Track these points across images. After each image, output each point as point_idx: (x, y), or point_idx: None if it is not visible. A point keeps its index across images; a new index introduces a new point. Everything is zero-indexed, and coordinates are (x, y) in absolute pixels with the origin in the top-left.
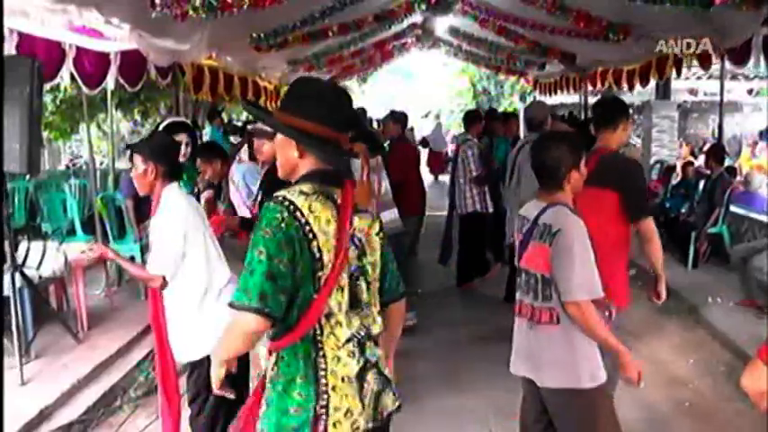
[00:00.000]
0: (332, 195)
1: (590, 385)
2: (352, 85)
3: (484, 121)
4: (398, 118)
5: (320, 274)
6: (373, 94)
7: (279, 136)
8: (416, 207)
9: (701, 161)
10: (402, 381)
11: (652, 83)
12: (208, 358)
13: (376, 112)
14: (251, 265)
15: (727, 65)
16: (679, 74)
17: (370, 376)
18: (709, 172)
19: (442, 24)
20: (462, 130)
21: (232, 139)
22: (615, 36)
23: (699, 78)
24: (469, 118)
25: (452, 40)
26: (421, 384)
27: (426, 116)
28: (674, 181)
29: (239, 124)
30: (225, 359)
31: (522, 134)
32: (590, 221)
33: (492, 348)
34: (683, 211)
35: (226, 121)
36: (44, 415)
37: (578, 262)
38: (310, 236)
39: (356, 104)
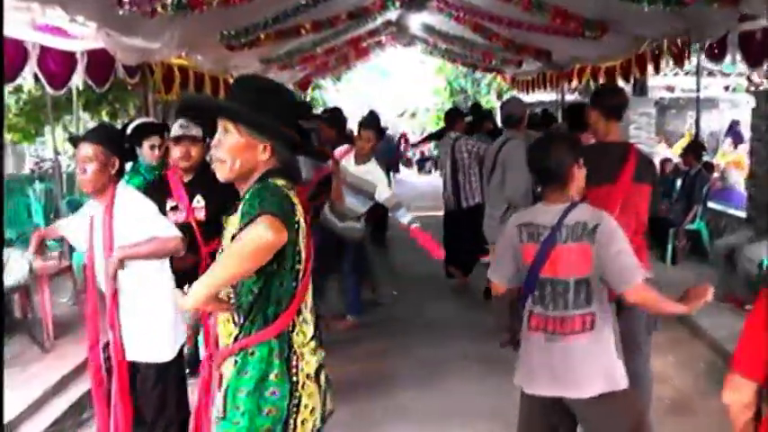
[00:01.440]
0: (296, 191)
1: (625, 384)
2: (326, 83)
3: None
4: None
5: (299, 267)
6: (348, 93)
7: (235, 137)
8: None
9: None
10: (381, 379)
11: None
12: (177, 361)
13: (351, 111)
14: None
15: (704, 61)
16: (658, 71)
17: (323, 375)
18: (687, 168)
19: (416, 22)
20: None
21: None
22: (592, 33)
23: (676, 75)
24: (451, 116)
25: (428, 37)
26: (400, 384)
27: (402, 115)
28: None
29: None
30: (221, 285)
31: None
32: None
33: (473, 347)
34: (662, 207)
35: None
36: (11, 427)
37: (625, 250)
38: (296, 227)
39: (331, 103)
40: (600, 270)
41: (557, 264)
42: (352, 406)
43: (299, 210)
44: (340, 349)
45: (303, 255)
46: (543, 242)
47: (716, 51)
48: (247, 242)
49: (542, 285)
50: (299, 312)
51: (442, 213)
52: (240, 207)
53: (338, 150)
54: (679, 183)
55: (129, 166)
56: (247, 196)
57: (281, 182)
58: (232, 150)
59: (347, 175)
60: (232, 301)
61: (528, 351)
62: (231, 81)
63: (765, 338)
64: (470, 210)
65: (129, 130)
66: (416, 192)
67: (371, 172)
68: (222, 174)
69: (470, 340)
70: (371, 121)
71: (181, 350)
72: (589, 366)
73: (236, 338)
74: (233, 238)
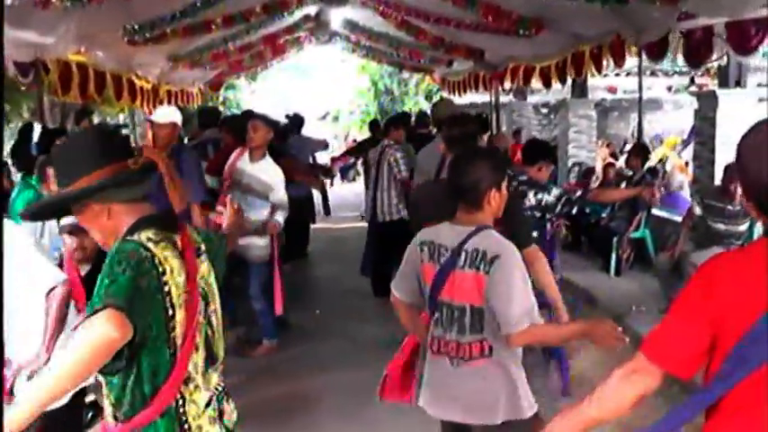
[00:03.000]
0: (174, 241)
1: (530, 414)
2: (240, 83)
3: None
4: (270, 124)
5: (174, 334)
6: (265, 94)
7: (80, 213)
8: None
9: (621, 162)
10: (302, 408)
11: (568, 80)
12: (70, 409)
13: (269, 112)
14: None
15: (645, 61)
16: (599, 70)
17: None
18: (630, 173)
19: (338, 17)
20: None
21: None
22: (526, 31)
23: (617, 75)
24: (392, 123)
25: (350, 34)
26: (324, 414)
27: (324, 118)
28: (594, 184)
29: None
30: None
31: None
32: None
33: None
34: (604, 215)
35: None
36: None
37: (518, 291)
38: (165, 290)
39: (246, 105)
40: (490, 306)
41: (454, 289)
42: None
43: (171, 263)
44: (257, 376)
45: (180, 316)
46: (443, 265)
47: (656, 50)
48: (85, 344)
49: (441, 308)
50: (187, 380)
51: (365, 225)
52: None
53: (233, 155)
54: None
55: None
56: (105, 263)
57: (147, 234)
58: (88, 224)
59: (243, 175)
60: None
61: (431, 374)
62: (135, 80)
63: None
64: (387, 225)
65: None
66: (339, 201)
67: (266, 170)
68: (103, 247)
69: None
70: (259, 115)
71: (78, 395)
72: (489, 393)
73: (116, 423)
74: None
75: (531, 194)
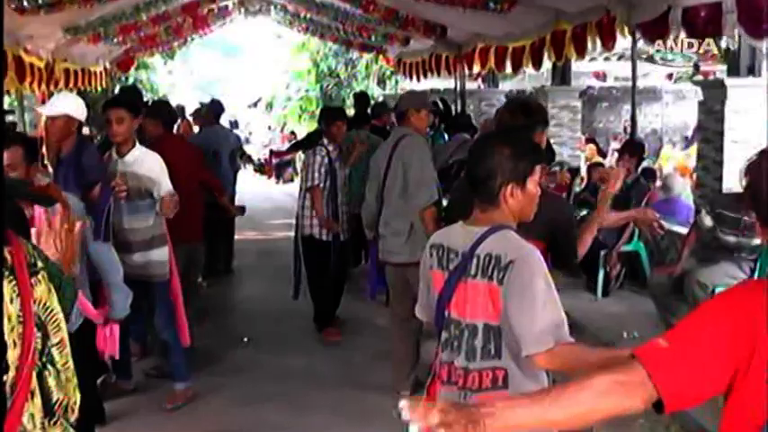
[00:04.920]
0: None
1: None
2: (155, 62)
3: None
4: (158, 110)
5: (5, 379)
6: (185, 75)
7: None
8: (191, 231)
9: (611, 161)
10: None
11: (547, 65)
12: None
13: (190, 97)
14: None
15: (640, 43)
16: (582, 54)
17: None
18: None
19: None
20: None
21: None
22: (497, 5)
23: (607, 59)
24: (329, 116)
25: (286, 3)
26: None
27: (255, 105)
28: (578, 188)
29: None
30: None
31: None
32: None
33: (347, 404)
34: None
35: None
36: None
37: (540, 302)
38: None
39: (163, 88)
40: (507, 322)
41: (464, 302)
42: None
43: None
44: (168, 421)
45: (10, 358)
46: (452, 272)
47: (653, 30)
48: None
49: (449, 326)
50: None
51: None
52: None
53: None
54: None
55: None
56: None
57: None
58: None
59: (115, 178)
60: None
61: None
62: (24, 57)
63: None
64: (303, 241)
65: None
66: (271, 205)
67: (141, 161)
68: None
69: (341, 395)
70: (123, 100)
71: None
72: None
73: None
74: None
75: None
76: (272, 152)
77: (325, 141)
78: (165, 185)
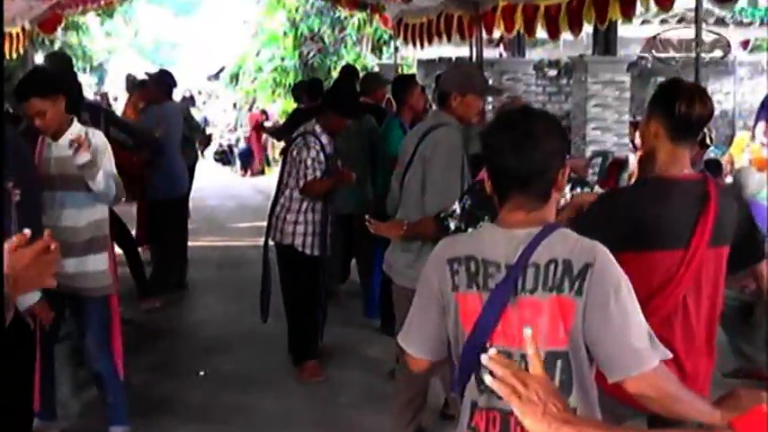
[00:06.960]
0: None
1: None
2: (89, 21)
3: None
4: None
5: None
6: (127, 38)
7: None
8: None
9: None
10: None
11: (587, 29)
12: None
13: (133, 66)
14: None
15: (707, 3)
16: (630, 16)
17: None
18: None
19: None
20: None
21: None
22: None
23: (664, 22)
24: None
25: None
26: None
27: (217, 76)
28: (626, 182)
29: None
30: None
31: None
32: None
33: None
34: None
35: None
36: None
37: (633, 308)
38: None
39: (99, 54)
40: (588, 341)
41: (514, 326)
42: None
43: None
44: None
45: None
46: (495, 291)
47: None
48: None
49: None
50: None
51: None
52: None
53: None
54: None
55: None
56: None
57: None
58: None
59: (51, 166)
60: None
61: None
62: None
63: None
64: (281, 250)
65: None
66: (235, 204)
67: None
68: None
69: None
70: (35, 85)
71: None
72: None
73: None
74: None
75: (567, 189)
76: (261, 126)
77: (318, 130)
78: (107, 167)
